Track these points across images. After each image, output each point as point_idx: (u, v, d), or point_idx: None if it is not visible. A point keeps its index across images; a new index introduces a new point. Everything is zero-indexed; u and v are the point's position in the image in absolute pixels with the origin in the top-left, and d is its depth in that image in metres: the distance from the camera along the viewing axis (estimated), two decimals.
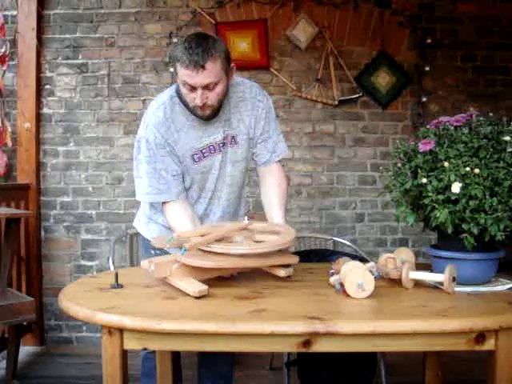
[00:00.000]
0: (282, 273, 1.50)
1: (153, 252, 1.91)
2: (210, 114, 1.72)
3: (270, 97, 1.95)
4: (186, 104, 1.74)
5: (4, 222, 2.61)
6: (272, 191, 1.89)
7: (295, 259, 1.54)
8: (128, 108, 3.36)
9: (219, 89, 1.67)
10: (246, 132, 1.85)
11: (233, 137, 1.82)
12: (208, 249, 1.45)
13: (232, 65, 1.72)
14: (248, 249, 1.47)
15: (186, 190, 1.84)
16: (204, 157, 1.79)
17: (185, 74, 1.61)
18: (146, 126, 1.76)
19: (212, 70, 1.61)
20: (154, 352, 1.90)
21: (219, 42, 1.67)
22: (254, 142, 1.89)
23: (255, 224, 1.66)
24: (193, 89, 1.64)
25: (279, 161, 1.95)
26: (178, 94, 1.76)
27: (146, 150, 1.74)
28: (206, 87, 1.63)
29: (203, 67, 1.59)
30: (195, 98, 1.65)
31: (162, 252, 1.87)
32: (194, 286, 1.36)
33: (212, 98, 1.67)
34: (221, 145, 1.80)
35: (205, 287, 1.36)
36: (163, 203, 1.79)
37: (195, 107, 1.69)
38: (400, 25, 3.35)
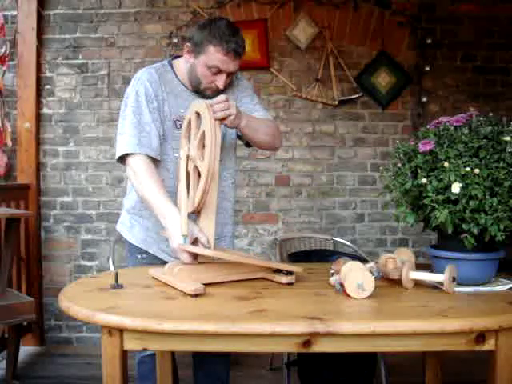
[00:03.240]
0: (283, 279, 1.50)
1: (139, 256, 1.89)
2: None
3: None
4: (176, 75, 1.82)
5: (4, 222, 2.61)
6: None
7: (298, 269, 1.54)
8: None
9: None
10: None
11: None
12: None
13: None
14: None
15: (165, 162, 1.80)
16: None
17: (220, 58, 1.69)
18: (137, 81, 1.80)
19: (241, 59, 1.74)
20: (149, 355, 1.88)
21: (241, 30, 1.77)
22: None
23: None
24: (218, 73, 1.73)
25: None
26: (171, 66, 1.84)
27: (133, 101, 1.75)
28: (230, 73, 1.75)
29: (240, 56, 1.72)
30: (215, 81, 1.74)
31: (148, 256, 1.87)
32: (191, 285, 1.36)
33: (227, 82, 1.78)
34: None
35: (201, 286, 1.36)
36: (132, 156, 1.70)
37: (207, 89, 1.77)
38: (400, 25, 3.35)
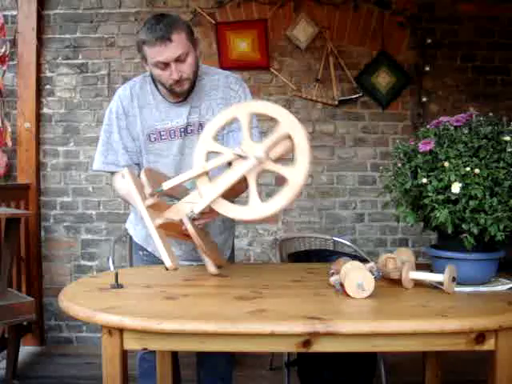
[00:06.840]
0: (212, 270, 1.58)
1: (141, 253, 1.95)
2: (188, 88, 1.72)
3: (249, 91, 1.86)
4: (156, 86, 1.78)
5: (4, 222, 2.60)
6: None
7: (222, 262, 1.66)
8: None
9: (190, 59, 1.68)
10: None
11: (200, 124, 1.79)
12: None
13: (195, 37, 1.76)
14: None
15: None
16: (162, 139, 1.79)
17: (154, 52, 1.64)
18: (114, 99, 1.82)
19: (179, 41, 1.63)
20: (150, 353, 1.89)
21: (178, 17, 1.74)
22: (223, 133, 1.81)
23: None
24: (166, 66, 1.65)
25: None
26: (152, 77, 1.79)
27: (107, 119, 1.81)
28: (178, 60, 1.65)
29: (170, 39, 1.61)
30: (171, 74, 1.66)
31: (150, 254, 1.92)
32: (168, 260, 1.38)
33: (186, 70, 1.68)
34: (182, 130, 1.78)
35: (174, 263, 1.39)
36: (112, 173, 1.83)
37: (172, 85, 1.69)
38: (400, 25, 3.35)
